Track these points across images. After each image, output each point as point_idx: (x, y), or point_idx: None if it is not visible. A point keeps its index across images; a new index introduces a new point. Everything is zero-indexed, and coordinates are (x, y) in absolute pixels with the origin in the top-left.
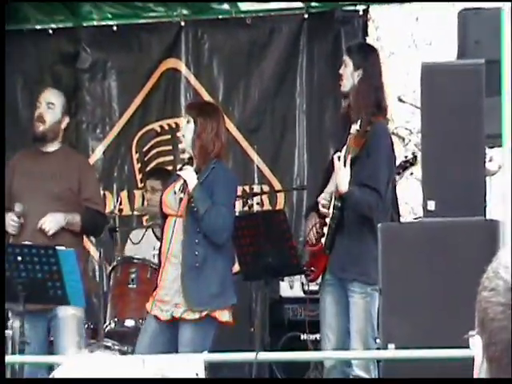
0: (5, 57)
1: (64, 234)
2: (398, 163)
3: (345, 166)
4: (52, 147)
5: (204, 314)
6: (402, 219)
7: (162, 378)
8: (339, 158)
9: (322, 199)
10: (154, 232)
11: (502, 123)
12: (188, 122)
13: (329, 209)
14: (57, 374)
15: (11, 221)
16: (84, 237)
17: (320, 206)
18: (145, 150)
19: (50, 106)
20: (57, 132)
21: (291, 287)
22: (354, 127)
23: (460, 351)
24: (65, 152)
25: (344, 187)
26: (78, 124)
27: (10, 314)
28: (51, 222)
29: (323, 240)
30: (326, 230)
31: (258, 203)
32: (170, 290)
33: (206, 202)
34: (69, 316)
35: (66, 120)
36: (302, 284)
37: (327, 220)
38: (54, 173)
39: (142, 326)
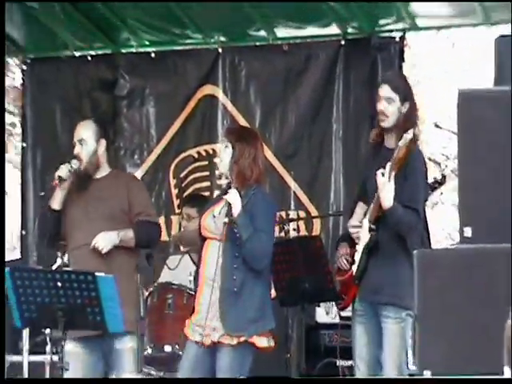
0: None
1: (118, 253)
2: (430, 182)
3: (389, 181)
4: (100, 173)
5: (242, 339)
6: (438, 245)
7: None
8: (383, 174)
9: (351, 227)
10: (190, 257)
11: None
12: (226, 146)
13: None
14: None
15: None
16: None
17: (351, 232)
18: (182, 175)
19: (82, 143)
20: (96, 162)
21: (327, 313)
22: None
23: (497, 379)
24: (113, 175)
25: (389, 202)
26: (116, 150)
27: (48, 339)
28: (104, 240)
29: (354, 267)
30: (356, 257)
31: (294, 229)
32: (208, 314)
33: (249, 229)
34: (125, 349)
35: (103, 144)
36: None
37: (358, 247)
38: (104, 197)
39: (184, 352)
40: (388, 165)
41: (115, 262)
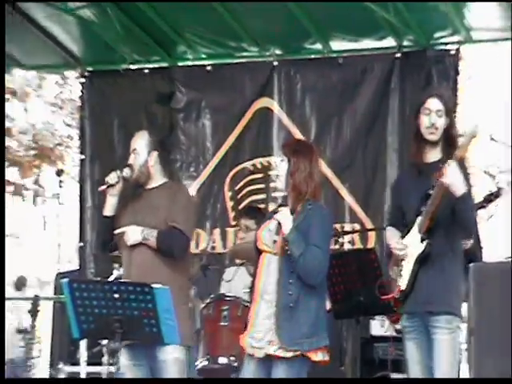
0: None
1: (170, 263)
2: (482, 197)
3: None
4: (152, 184)
5: (298, 353)
6: (493, 258)
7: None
8: (449, 164)
9: (397, 249)
10: (247, 270)
11: None
12: (282, 160)
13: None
14: None
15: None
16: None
17: (396, 250)
18: (237, 188)
19: (135, 153)
20: (146, 173)
21: (382, 326)
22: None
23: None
24: (166, 186)
25: (462, 189)
26: (172, 162)
27: (104, 351)
28: (131, 233)
29: (401, 282)
30: (404, 272)
31: (349, 242)
32: (263, 326)
33: (301, 246)
34: (170, 360)
35: (154, 155)
36: None
37: (404, 263)
38: (153, 207)
39: (244, 365)
40: (452, 159)
41: (166, 273)
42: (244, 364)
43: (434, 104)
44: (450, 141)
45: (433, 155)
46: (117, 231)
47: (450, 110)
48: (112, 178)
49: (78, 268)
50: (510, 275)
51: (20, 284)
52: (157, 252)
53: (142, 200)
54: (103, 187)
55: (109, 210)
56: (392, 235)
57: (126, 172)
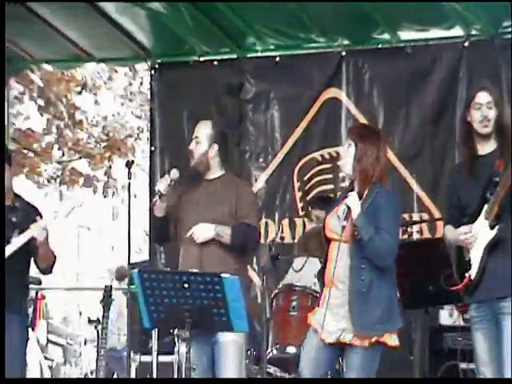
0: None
1: (230, 253)
2: None
3: None
4: (213, 175)
5: (373, 340)
6: None
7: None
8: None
9: (463, 233)
10: (319, 260)
11: None
12: (349, 145)
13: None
14: None
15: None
16: (248, 266)
17: (466, 240)
18: (306, 178)
19: (197, 140)
20: (206, 162)
21: (451, 315)
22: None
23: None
24: (225, 179)
25: None
26: (241, 153)
27: (176, 340)
28: (201, 231)
29: (472, 271)
30: (474, 260)
31: (417, 231)
32: (337, 315)
33: (370, 229)
34: (229, 342)
35: (215, 148)
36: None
37: (472, 251)
38: (215, 200)
39: (305, 340)
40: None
41: (226, 262)
42: (307, 342)
43: (483, 97)
44: (502, 131)
45: (487, 147)
46: (188, 234)
47: (499, 101)
48: (162, 187)
49: (148, 258)
50: None
51: (121, 275)
52: (227, 246)
53: (202, 190)
54: (156, 199)
55: (160, 211)
56: (452, 232)
57: (174, 174)
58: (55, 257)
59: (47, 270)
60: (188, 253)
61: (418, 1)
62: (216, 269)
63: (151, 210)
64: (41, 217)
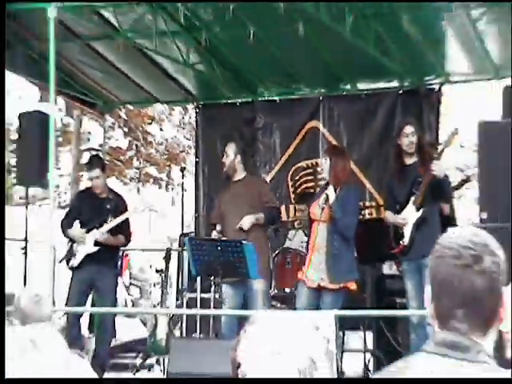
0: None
1: (254, 228)
2: (457, 182)
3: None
4: (238, 177)
5: (341, 285)
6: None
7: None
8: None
9: (401, 219)
10: (304, 232)
11: None
12: (325, 159)
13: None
14: (249, 327)
15: (216, 233)
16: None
17: (401, 221)
18: (296, 179)
19: (226, 155)
20: (233, 168)
21: (390, 268)
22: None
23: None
24: (247, 178)
25: (442, 175)
26: (254, 162)
27: (211, 283)
28: (246, 221)
29: (405, 241)
30: (406, 234)
31: (369, 213)
32: (316, 269)
33: (340, 212)
34: (259, 289)
35: (238, 158)
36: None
37: (405, 229)
38: (244, 193)
39: (297, 290)
40: (425, 160)
41: (254, 234)
42: (299, 290)
43: (409, 129)
44: (421, 149)
45: (411, 160)
46: (237, 226)
47: (419, 130)
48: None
49: (194, 231)
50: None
51: (168, 256)
52: (260, 225)
53: (231, 190)
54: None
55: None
56: (392, 216)
57: (222, 168)
58: (131, 233)
59: (128, 240)
60: (235, 232)
61: (369, 59)
62: (251, 239)
63: (196, 199)
64: (126, 206)
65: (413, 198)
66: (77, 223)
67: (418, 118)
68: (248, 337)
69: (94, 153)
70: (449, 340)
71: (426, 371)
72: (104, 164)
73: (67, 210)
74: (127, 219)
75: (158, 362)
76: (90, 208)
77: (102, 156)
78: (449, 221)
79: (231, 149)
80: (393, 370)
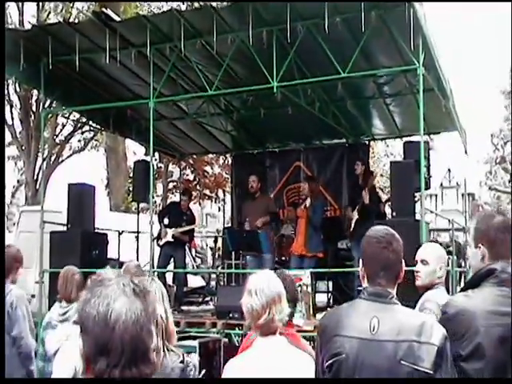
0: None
1: (264, 224)
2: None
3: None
4: (256, 194)
5: (313, 254)
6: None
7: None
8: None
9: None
10: (291, 225)
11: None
12: (305, 184)
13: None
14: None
15: (247, 225)
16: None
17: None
18: (288, 195)
19: (251, 182)
20: (256, 189)
21: (342, 244)
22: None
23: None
24: (261, 195)
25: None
26: (265, 186)
27: (241, 255)
28: (260, 221)
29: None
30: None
31: (330, 214)
32: (300, 245)
33: (313, 212)
34: (267, 258)
35: (256, 184)
36: None
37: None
38: (259, 204)
39: (290, 258)
40: (363, 191)
41: (264, 228)
42: (291, 258)
43: (357, 168)
44: (366, 177)
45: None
46: (258, 223)
47: (363, 166)
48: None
49: (230, 225)
50: None
51: (216, 240)
52: (267, 222)
53: (253, 203)
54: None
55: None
56: (350, 214)
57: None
58: (193, 237)
59: (190, 239)
60: (254, 226)
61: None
62: (263, 230)
63: (232, 208)
64: (195, 220)
65: (358, 206)
66: (166, 219)
67: (361, 161)
68: (245, 294)
69: (174, 183)
70: (375, 291)
71: (364, 308)
72: (191, 194)
73: (162, 209)
74: (193, 228)
75: (211, 299)
76: (175, 215)
77: (189, 188)
78: (380, 217)
79: (253, 180)
80: (344, 307)
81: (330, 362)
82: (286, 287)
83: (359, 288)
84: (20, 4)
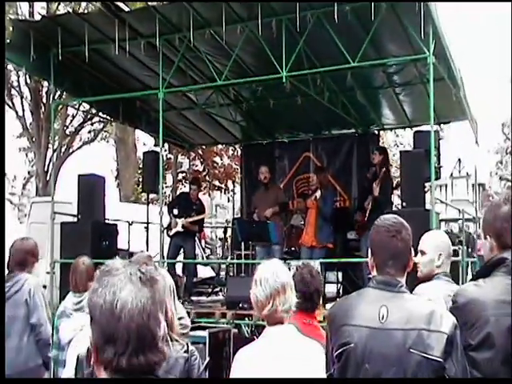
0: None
1: (274, 215)
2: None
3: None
4: (269, 184)
5: (324, 245)
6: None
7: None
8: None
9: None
10: (301, 215)
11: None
12: (314, 174)
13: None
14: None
15: (256, 216)
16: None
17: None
18: (297, 185)
19: (261, 172)
20: (267, 179)
21: (351, 234)
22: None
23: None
24: (270, 185)
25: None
26: (274, 176)
27: (249, 245)
28: (269, 211)
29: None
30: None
31: (339, 204)
32: (310, 236)
33: (323, 203)
34: (276, 249)
35: (267, 174)
36: None
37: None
38: (270, 194)
39: (300, 249)
40: (375, 182)
41: (273, 218)
42: (301, 249)
43: (375, 158)
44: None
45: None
46: (265, 213)
47: (385, 156)
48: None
49: (240, 216)
50: None
51: (226, 230)
52: (277, 212)
53: (264, 193)
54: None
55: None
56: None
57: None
58: (203, 227)
59: (200, 230)
60: (263, 217)
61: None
62: (272, 220)
63: (241, 199)
64: (205, 210)
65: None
66: (176, 209)
67: (378, 149)
68: (253, 284)
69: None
70: (384, 280)
71: (372, 297)
72: (200, 183)
73: (171, 199)
74: (203, 218)
75: (221, 290)
76: (185, 204)
77: (198, 177)
78: (388, 207)
79: (264, 170)
80: (353, 296)
81: (339, 351)
82: (309, 280)
83: (369, 277)
84: None
